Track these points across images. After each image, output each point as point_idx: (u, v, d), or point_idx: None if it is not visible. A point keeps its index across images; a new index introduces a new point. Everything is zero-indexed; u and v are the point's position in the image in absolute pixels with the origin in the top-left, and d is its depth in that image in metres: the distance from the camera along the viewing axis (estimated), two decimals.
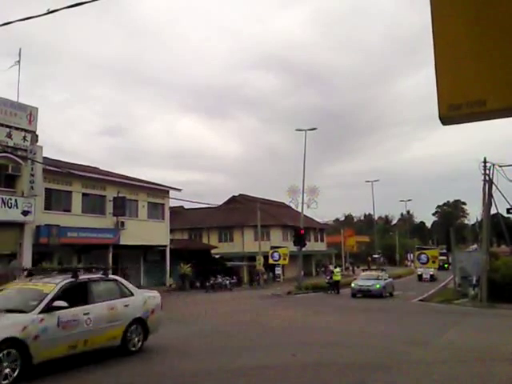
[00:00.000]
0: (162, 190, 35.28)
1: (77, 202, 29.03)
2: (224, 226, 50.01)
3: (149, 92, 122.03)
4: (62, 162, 30.42)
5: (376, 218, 77.25)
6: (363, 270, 39.00)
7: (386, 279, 29.31)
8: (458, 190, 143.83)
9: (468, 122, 2.16)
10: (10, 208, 23.89)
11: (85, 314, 8.62)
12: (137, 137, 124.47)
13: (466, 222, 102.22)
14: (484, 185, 25.00)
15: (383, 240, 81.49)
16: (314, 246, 54.98)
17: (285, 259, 37.75)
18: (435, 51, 2.10)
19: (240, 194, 54.94)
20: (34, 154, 24.78)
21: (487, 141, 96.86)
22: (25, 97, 26.84)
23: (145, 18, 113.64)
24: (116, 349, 9.38)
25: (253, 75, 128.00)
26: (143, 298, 10.35)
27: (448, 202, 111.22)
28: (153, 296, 10.84)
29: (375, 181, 57.56)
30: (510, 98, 1.95)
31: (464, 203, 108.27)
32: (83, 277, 9.46)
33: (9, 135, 24.64)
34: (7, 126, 24.59)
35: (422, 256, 33.09)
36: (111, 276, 10.56)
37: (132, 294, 10.11)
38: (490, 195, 24.76)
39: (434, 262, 33.31)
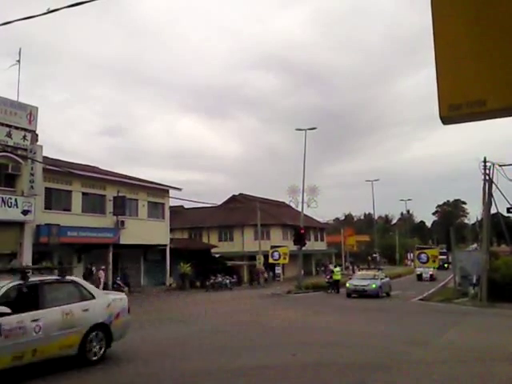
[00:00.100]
0: (162, 190, 35.28)
1: (77, 201, 29.03)
2: (224, 226, 50.02)
3: (149, 92, 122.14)
4: (62, 161, 30.43)
5: (376, 217, 77.34)
6: (361, 269, 38.89)
7: (382, 278, 28.58)
8: (458, 190, 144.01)
9: (468, 121, 2.16)
10: (9, 207, 23.89)
11: (33, 321, 7.72)
12: (137, 137, 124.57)
13: (466, 221, 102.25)
14: (484, 184, 24.98)
15: (383, 239, 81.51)
16: (314, 245, 54.99)
17: (285, 258, 37.77)
18: (436, 51, 2.10)
19: (240, 194, 54.91)
20: (34, 153, 24.77)
21: (487, 141, 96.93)
22: (25, 97, 26.95)
23: (145, 18, 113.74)
24: (73, 358, 8.44)
25: (253, 75, 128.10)
26: (106, 301, 9.37)
27: (448, 201, 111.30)
28: (119, 298, 9.87)
29: (375, 180, 57.68)
30: (510, 97, 1.96)
31: (464, 203, 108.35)
32: (34, 279, 8.49)
33: (9, 134, 24.63)
34: (7, 126, 24.58)
35: (422, 255, 33.07)
36: (69, 277, 9.44)
37: (93, 297, 9.11)
38: (490, 195, 24.75)
39: (434, 261, 33.29)
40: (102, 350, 8.90)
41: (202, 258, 38.56)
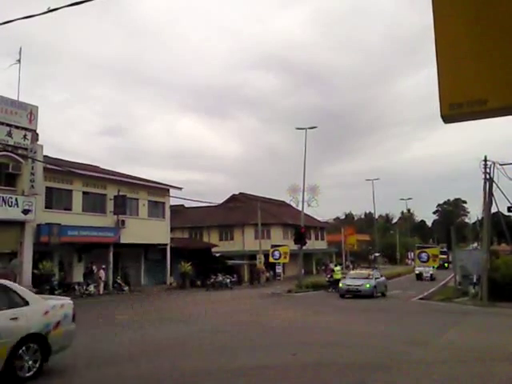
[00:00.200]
0: (162, 189, 35.31)
1: (77, 200, 29.05)
2: (224, 225, 50.04)
3: (149, 92, 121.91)
4: (63, 160, 30.45)
5: (376, 216, 77.32)
6: (356, 268, 38.81)
7: (377, 278, 27.60)
8: (459, 190, 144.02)
9: (469, 120, 2.16)
10: (10, 207, 23.92)
11: None
12: (137, 137, 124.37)
13: (467, 220, 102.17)
14: (484, 183, 24.96)
15: (384, 238, 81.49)
16: (314, 244, 55.01)
17: (285, 258, 37.76)
18: (437, 51, 2.10)
19: (240, 193, 54.91)
20: (35, 152, 24.79)
21: (487, 141, 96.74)
22: (25, 96, 26.94)
23: (145, 18, 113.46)
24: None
25: (253, 75, 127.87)
26: (43, 308, 7.90)
27: (448, 200, 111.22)
28: (60, 304, 8.28)
29: (375, 179, 57.46)
30: (511, 97, 1.96)
31: (464, 202, 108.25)
32: None
33: (9, 134, 24.66)
34: (7, 125, 24.61)
35: (423, 254, 33.05)
36: None
37: (27, 303, 7.67)
38: (491, 194, 24.72)
39: (434, 260, 33.29)
40: (37, 364, 7.53)
41: (203, 258, 38.59)
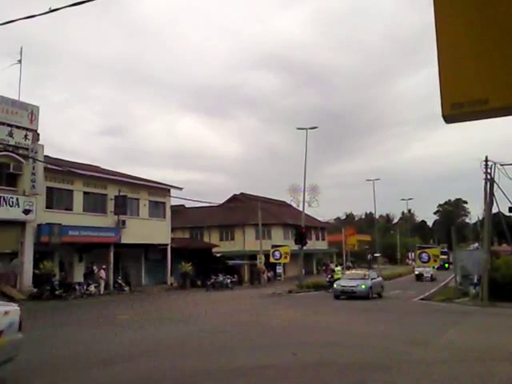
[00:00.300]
0: (163, 189, 35.33)
1: (78, 200, 29.08)
2: (225, 225, 50.06)
3: (149, 92, 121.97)
4: (64, 160, 30.48)
5: (377, 216, 77.26)
6: (353, 268, 38.68)
7: (373, 278, 26.74)
8: (459, 190, 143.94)
9: (470, 120, 2.16)
10: (11, 207, 23.95)
11: None
12: (137, 137, 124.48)
13: (467, 220, 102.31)
14: (485, 183, 24.93)
15: (384, 239, 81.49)
16: (315, 244, 55.03)
17: (286, 258, 37.77)
18: (438, 50, 2.10)
19: (241, 193, 54.94)
20: (36, 152, 24.82)
21: (487, 141, 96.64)
22: (25, 96, 26.88)
23: (145, 18, 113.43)
24: None
25: (253, 75, 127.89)
26: None
27: (449, 200, 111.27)
28: (3, 312, 7.06)
29: (376, 179, 57.40)
30: None
31: (465, 202, 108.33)
32: None
33: (10, 134, 24.69)
34: (8, 125, 24.64)
35: (423, 255, 33.03)
36: None
37: None
38: (492, 194, 24.69)
39: (435, 260, 33.28)
40: None
41: (203, 258, 38.61)
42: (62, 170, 26.71)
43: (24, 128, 25.34)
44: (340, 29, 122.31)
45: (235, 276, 37.82)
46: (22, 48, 26.44)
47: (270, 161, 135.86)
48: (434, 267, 39.55)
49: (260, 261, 39.39)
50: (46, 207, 26.83)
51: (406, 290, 31.23)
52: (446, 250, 59.58)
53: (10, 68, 25.88)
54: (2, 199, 23.62)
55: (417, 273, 43.90)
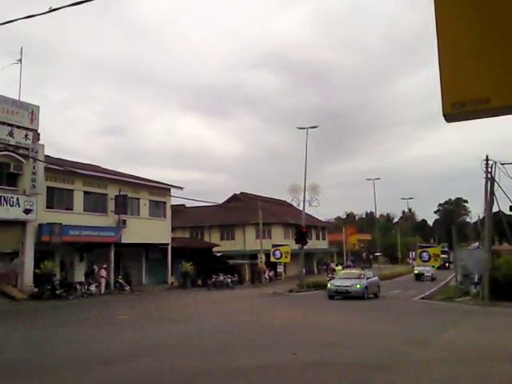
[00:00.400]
0: (163, 189, 35.33)
1: (78, 200, 29.08)
2: (225, 225, 50.07)
3: (149, 92, 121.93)
4: (64, 160, 30.49)
5: (377, 216, 77.29)
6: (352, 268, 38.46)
7: (368, 278, 25.90)
8: (459, 189, 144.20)
9: (471, 119, 2.16)
10: (11, 206, 23.96)
11: None
12: (137, 136, 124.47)
13: (468, 219, 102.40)
14: (486, 183, 24.91)
15: (385, 238, 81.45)
16: (315, 244, 54.99)
17: (286, 257, 37.75)
18: (439, 50, 2.10)
19: (241, 193, 54.93)
20: (36, 152, 24.82)
21: (487, 140, 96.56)
22: (25, 96, 26.76)
23: (145, 18, 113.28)
24: None
25: (253, 75, 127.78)
26: None
27: (450, 199, 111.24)
28: None
29: (376, 179, 57.34)
30: None
31: (466, 201, 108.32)
32: None
33: (10, 133, 24.69)
34: (9, 125, 24.65)
35: (424, 254, 33.02)
36: None
37: None
38: (492, 193, 24.67)
39: (436, 259, 33.26)
40: None
41: (204, 257, 38.61)
42: (62, 169, 26.72)
43: (24, 128, 25.34)
44: (340, 29, 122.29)
45: (236, 275, 37.80)
46: (22, 48, 26.52)
47: (270, 160, 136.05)
48: (434, 266, 39.40)
49: (261, 260, 39.38)
50: (47, 207, 26.84)
51: (406, 290, 31.20)
52: (446, 249, 59.57)
53: (11, 68, 25.90)
54: (2, 199, 23.63)
55: (416, 272, 43.42)
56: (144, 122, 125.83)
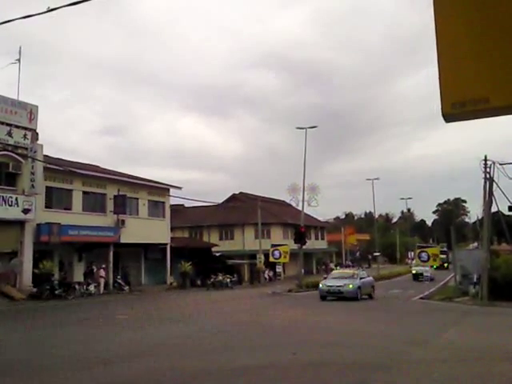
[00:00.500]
0: (162, 188, 35.31)
1: (77, 200, 29.04)
2: (224, 224, 50.06)
3: (149, 92, 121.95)
4: (63, 160, 30.44)
5: (376, 216, 77.27)
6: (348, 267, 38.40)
7: (362, 278, 25.10)
8: (458, 189, 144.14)
9: (470, 119, 2.16)
10: (10, 206, 23.92)
11: None
12: (137, 136, 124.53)
13: (467, 220, 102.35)
14: (485, 183, 24.95)
15: (384, 238, 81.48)
16: (314, 244, 55.02)
17: (285, 257, 37.75)
18: (438, 50, 2.10)
19: (240, 192, 54.95)
20: (35, 152, 24.78)
21: (487, 140, 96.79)
22: (25, 96, 26.73)
23: (145, 18, 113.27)
24: None
25: (253, 75, 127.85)
26: None
27: (448, 200, 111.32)
28: None
29: (376, 179, 57.36)
30: None
31: (464, 201, 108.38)
32: None
33: (9, 133, 24.65)
34: (7, 124, 24.60)
35: (423, 254, 33.04)
36: None
37: None
38: (491, 193, 24.70)
39: (434, 259, 33.26)
40: None
41: (203, 257, 38.59)
42: (61, 169, 26.69)
43: (23, 127, 25.30)
44: (340, 29, 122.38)
45: (235, 275, 37.80)
46: (20, 47, 26.40)
47: (269, 160, 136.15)
48: (433, 266, 39.38)
49: (260, 260, 39.37)
50: (46, 207, 26.80)
51: (405, 290, 31.21)
52: (445, 249, 59.57)
53: (10, 68, 25.80)
54: (1, 199, 23.59)
55: (414, 272, 43.26)
56: (144, 122, 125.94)
